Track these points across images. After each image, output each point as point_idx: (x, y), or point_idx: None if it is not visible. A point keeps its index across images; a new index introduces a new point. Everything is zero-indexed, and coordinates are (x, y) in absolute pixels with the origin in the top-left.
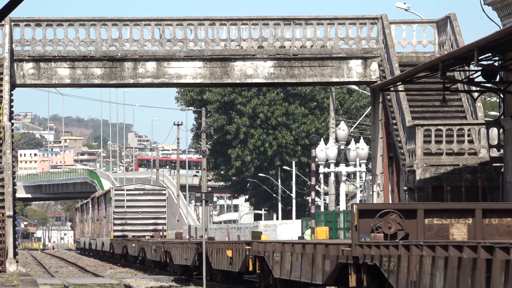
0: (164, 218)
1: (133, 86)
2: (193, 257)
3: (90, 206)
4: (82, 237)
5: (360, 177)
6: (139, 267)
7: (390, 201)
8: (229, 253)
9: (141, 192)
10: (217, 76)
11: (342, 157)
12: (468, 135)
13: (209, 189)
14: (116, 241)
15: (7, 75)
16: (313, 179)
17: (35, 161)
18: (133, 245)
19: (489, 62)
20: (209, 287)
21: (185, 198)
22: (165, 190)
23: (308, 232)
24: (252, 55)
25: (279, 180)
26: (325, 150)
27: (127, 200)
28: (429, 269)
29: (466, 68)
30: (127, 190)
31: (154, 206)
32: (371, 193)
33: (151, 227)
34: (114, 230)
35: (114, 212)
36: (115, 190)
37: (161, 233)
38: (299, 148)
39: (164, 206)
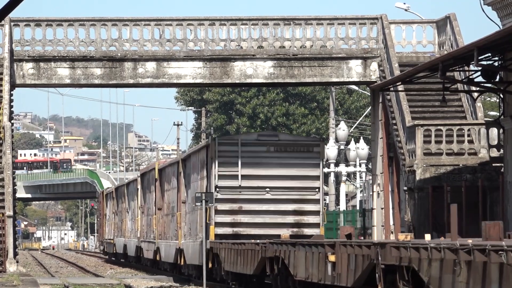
0: (318, 202)
1: (133, 86)
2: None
3: (139, 187)
4: (118, 237)
5: (360, 177)
6: (139, 267)
7: (390, 201)
8: (332, 258)
9: (272, 148)
10: (217, 76)
11: (342, 157)
12: (468, 135)
13: None
14: (235, 248)
15: (7, 75)
16: None
17: None
18: (330, 257)
19: (489, 62)
20: (210, 287)
21: None
22: (319, 144)
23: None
24: (252, 55)
25: None
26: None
27: (244, 165)
28: None
29: (466, 68)
30: (243, 142)
31: (298, 177)
32: (371, 193)
33: (291, 219)
34: (217, 225)
35: (217, 188)
36: (220, 144)
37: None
38: None
39: (318, 177)
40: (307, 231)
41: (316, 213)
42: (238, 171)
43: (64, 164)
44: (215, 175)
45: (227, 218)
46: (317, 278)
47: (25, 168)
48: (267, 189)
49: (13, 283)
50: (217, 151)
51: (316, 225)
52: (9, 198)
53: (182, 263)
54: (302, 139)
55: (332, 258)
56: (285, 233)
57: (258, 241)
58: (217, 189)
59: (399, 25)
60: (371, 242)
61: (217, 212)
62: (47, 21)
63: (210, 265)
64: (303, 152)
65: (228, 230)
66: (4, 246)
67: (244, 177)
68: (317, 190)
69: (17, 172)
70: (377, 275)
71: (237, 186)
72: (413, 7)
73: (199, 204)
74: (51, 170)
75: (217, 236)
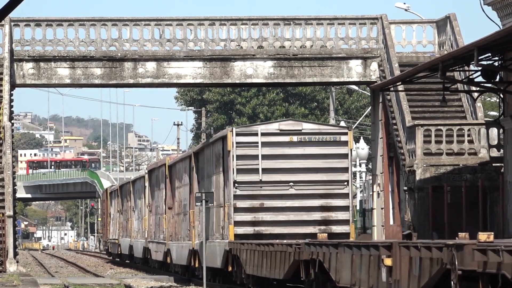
0: (347, 196)
1: (133, 86)
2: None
3: (147, 184)
4: (123, 237)
5: (360, 177)
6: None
7: (390, 201)
8: (387, 261)
9: (295, 138)
10: (217, 76)
11: None
12: (468, 135)
13: None
14: (261, 250)
15: (7, 75)
16: None
17: None
18: (385, 261)
19: (489, 62)
20: (210, 287)
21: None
22: (346, 133)
23: None
24: (252, 55)
25: None
26: None
27: (265, 157)
28: None
29: (466, 68)
30: (264, 133)
31: (325, 170)
32: (371, 193)
33: (317, 216)
34: (237, 224)
35: (236, 184)
36: (238, 134)
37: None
38: None
39: (347, 169)
40: (336, 228)
41: (345, 208)
42: (258, 164)
43: (93, 164)
44: (233, 169)
45: (248, 217)
46: (367, 284)
47: (52, 167)
48: (291, 184)
49: (13, 283)
50: (235, 142)
51: (345, 222)
52: (9, 198)
53: (196, 265)
54: (328, 128)
55: (388, 261)
56: (311, 231)
57: (288, 241)
58: (236, 185)
59: (399, 25)
60: (443, 243)
61: (237, 210)
62: (47, 21)
63: (229, 268)
64: (329, 142)
65: (249, 230)
66: (4, 246)
67: (265, 170)
68: (345, 183)
69: (43, 170)
70: (452, 282)
71: (257, 180)
72: (413, 7)
73: (198, 204)
74: (80, 168)
75: (237, 236)
